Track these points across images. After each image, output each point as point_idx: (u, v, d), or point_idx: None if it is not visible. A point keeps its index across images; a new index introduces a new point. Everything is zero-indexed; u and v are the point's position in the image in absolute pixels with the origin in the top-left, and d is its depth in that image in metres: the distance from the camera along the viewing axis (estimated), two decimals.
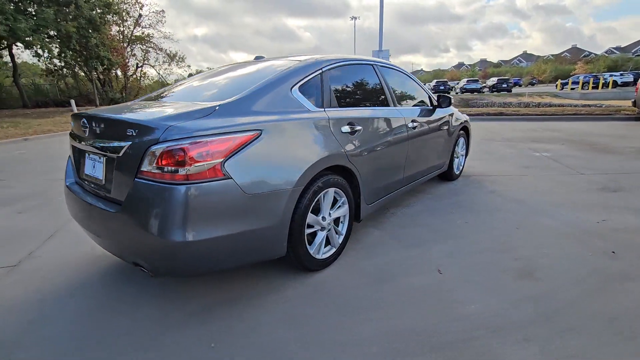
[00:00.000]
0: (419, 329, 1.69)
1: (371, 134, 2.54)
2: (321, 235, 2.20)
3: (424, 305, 1.88)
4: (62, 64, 19.20)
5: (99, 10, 14.91)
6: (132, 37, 31.19)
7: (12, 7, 12.06)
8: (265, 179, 1.77)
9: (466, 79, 38.66)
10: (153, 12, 33.13)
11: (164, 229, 1.53)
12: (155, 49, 33.97)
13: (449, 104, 3.64)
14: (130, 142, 1.61)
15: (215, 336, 1.66)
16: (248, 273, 2.23)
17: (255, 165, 1.73)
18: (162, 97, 2.42)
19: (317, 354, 1.54)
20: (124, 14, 29.80)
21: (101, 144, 1.77)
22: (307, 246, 2.09)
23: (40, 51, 13.62)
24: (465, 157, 4.62)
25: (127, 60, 27.08)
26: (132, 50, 32.06)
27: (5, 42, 12.58)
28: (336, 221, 2.38)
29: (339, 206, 2.33)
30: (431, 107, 3.61)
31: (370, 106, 2.70)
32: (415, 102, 3.47)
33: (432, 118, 3.51)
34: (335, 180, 2.19)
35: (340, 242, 2.37)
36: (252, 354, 1.55)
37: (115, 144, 1.68)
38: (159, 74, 38.04)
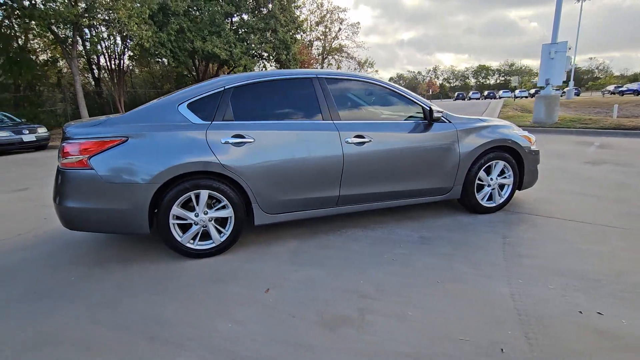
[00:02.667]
0: (162, 321, 1.89)
1: (270, 146, 2.64)
2: (194, 229, 2.58)
3: (197, 307, 2.01)
4: None
5: (291, 33, 18.58)
6: (330, 49, 36.53)
7: (235, 37, 17.01)
8: (123, 173, 2.37)
9: None
10: (350, 25, 37.03)
11: (56, 196, 2.41)
12: (348, 58, 38.50)
13: (434, 118, 2.99)
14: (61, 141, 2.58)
15: (81, 276, 2.44)
16: (159, 247, 2.88)
17: (116, 162, 2.36)
18: None
19: (78, 308, 2.05)
20: (326, 30, 35.50)
21: None
22: (176, 234, 2.54)
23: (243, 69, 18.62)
24: (514, 188, 3.49)
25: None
26: (328, 60, 37.60)
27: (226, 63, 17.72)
28: (225, 220, 2.67)
29: (223, 207, 2.62)
30: (420, 122, 3.09)
31: (283, 120, 2.76)
32: (384, 116, 3.10)
33: (410, 134, 3.03)
34: (208, 184, 2.52)
35: (222, 239, 2.66)
36: (82, 294, 2.23)
37: None
38: None
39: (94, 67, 18.66)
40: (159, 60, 18.92)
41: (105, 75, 19.44)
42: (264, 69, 20.94)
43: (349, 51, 37.87)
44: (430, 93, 46.21)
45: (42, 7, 11.00)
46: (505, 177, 3.44)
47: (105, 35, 12.49)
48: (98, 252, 2.81)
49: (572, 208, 3.54)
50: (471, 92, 50.61)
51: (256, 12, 18.40)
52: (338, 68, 39.56)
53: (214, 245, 2.65)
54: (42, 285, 2.32)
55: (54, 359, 1.65)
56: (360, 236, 3.01)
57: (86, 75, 20.13)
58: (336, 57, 37.55)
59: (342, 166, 2.82)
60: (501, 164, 3.36)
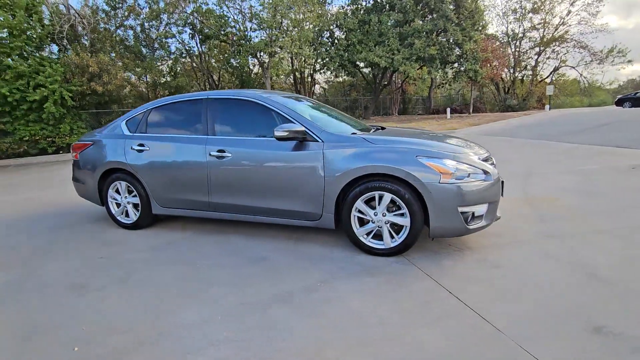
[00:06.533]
0: (29, 250, 3.12)
1: (157, 154, 3.42)
2: (121, 208, 3.73)
3: (55, 252, 3.11)
4: (443, 79, 23.55)
5: (465, 31, 16.74)
6: (550, 39, 29.44)
7: (399, 44, 17.11)
8: (87, 164, 3.80)
9: None
10: (586, 4, 28.33)
11: (72, 176, 4.15)
12: (577, 47, 29.82)
13: (274, 136, 2.79)
14: None
15: (67, 225, 4.08)
16: None
17: (87, 157, 3.82)
18: None
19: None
20: (545, 16, 28.85)
21: None
22: (113, 209, 3.77)
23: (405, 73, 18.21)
24: (414, 232, 2.63)
25: (502, 68, 26.51)
26: (545, 53, 30.45)
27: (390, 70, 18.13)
28: (138, 205, 3.67)
29: (135, 195, 3.63)
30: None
31: (170, 134, 3.43)
32: (256, 133, 3.17)
33: (268, 151, 3.01)
34: (123, 177, 3.60)
35: (135, 219, 3.67)
36: (47, 236, 3.84)
37: None
38: (581, 75, 33.22)
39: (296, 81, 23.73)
40: (330, 70, 21.59)
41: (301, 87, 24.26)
42: (431, 72, 19.76)
43: (580, 39, 29.24)
44: None
45: (247, 42, 15.39)
46: (403, 218, 2.68)
47: (276, 59, 15.95)
48: (98, 217, 4.46)
49: (504, 283, 2.33)
50: None
51: (427, 17, 17.79)
52: (561, 62, 31.34)
53: (131, 222, 3.72)
54: (53, 225, 4.11)
55: None
56: (231, 243, 3.24)
57: (291, 87, 25.77)
58: (556, 48, 29.90)
59: (207, 176, 3.22)
60: (387, 197, 2.67)
